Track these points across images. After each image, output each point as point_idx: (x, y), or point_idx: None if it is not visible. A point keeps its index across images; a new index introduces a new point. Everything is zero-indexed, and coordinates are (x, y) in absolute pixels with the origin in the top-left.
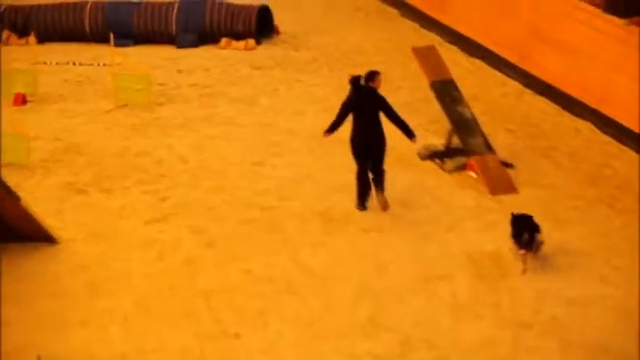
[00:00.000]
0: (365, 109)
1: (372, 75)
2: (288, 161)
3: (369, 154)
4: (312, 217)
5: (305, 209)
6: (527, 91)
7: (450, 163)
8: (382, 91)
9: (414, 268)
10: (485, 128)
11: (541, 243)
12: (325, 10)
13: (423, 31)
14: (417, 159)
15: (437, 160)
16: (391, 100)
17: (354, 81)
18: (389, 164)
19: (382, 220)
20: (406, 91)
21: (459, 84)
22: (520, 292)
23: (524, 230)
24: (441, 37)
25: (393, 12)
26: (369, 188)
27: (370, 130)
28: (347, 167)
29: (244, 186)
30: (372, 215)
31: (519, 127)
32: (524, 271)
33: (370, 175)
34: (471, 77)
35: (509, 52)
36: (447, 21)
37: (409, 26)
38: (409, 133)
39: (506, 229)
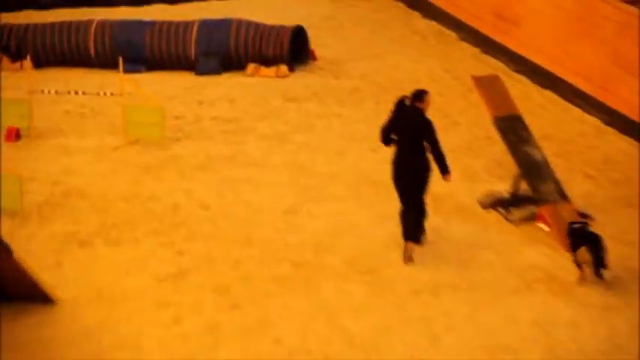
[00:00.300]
0: (407, 130)
1: (420, 94)
2: (327, 209)
3: (408, 182)
4: (354, 275)
5: (346, 266)
6: (609, 129)
7: (516, 213)
8: (438, 126)
9: (473, 338)
10: (559, 173)
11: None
12: (372, 32)
13: (486, 57)
14: (478, 208)
15: (501, 210)
16: (449, 138)
17: (399, 101)
18: (444, 213)
19: (436, 281)
20: (465, 127)
21: (528, 120)
22: None
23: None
24: (506, 64)
25: (452, 35)
26: (413, 222)
27: (411, 154)
28: (398, 217)
29: (275, 238)
30: (425, 274)
31: (599, 171)
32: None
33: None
34: (543, 112)
35: (587, 83)
36: (514, 46)
37: (470, 52)
38: (443, 169)
39: (586, 293)
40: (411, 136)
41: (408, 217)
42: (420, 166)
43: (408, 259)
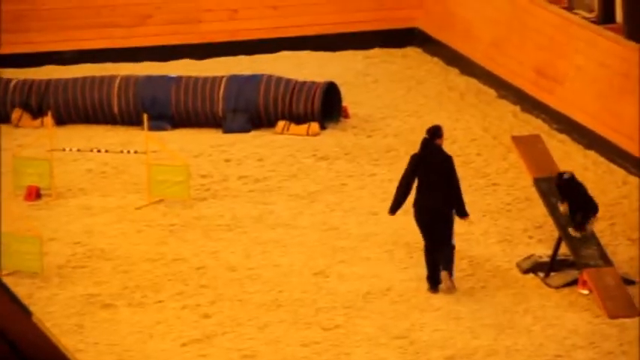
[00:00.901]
0: (430, 169)
1: (438, 130)
2: (359, 272)
3: (432, 221)
4: (386, 340)
5: (378, 331)
6: None
7: (556, 278)
8: (476, 186)
9: None
10: (602, 237)
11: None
12: (408, 89)
13: (526, 115)
14: (517, 271)
15: (540, 274)
16: (487, 199)
17: (424, 140)
18: (482, 277)
19: (472, 346)
20: (504, 188)
21: None
22: None
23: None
24: (547, 123)
25: (491, 93)
26: (437, 267)
27: (434, 192)
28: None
29: (304, 301)
30: (460, 340)
31: None
32: None
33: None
34: (586, 173)
35: (631, 142)
36: (556, 104)
37: (509, 110)
38: (461, 211)
39: None
40: (435, 175)
41: (447, 251)
42: (446, 204)
43: (450, 288)
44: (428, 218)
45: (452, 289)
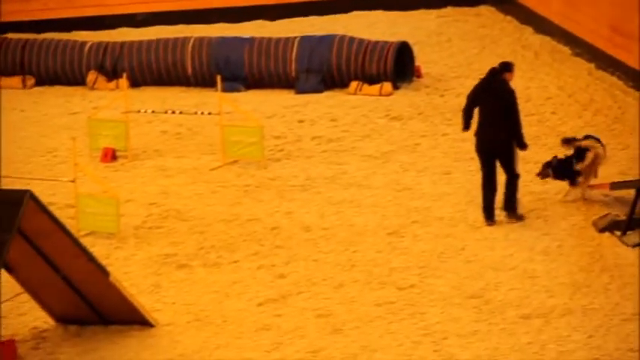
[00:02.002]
0: (491, 99)
1: (509, 65)
2: (433, 232)
3: (492, 152)
4: (461, 300)
5: (452, 290)
6: None
7: (633, 236)
8: (551, 144)
9: None
10: None
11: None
12: (481, 48)
13: (601, 73)
14: (593, 230)
15: (617, 232)
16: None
17: (492, 70)
18: (558, 235)
19: (548, 305)
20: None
21: None
22: None
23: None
24: (623, 81)
25: (565, 51)
26: (493, 196)
27: (496, 124)
28: (510, 240)
29: (378, 261)
30: (536, 299)
31: None
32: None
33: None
34: None
35: None
36: (632, 62)
37: (584, 68)
38: (521, 144)
39: None
40: (497, 104)
41: (512, 185)
42: (506, 133)
43: (518, 220)
44: (487, 148)
45: (520, 219)
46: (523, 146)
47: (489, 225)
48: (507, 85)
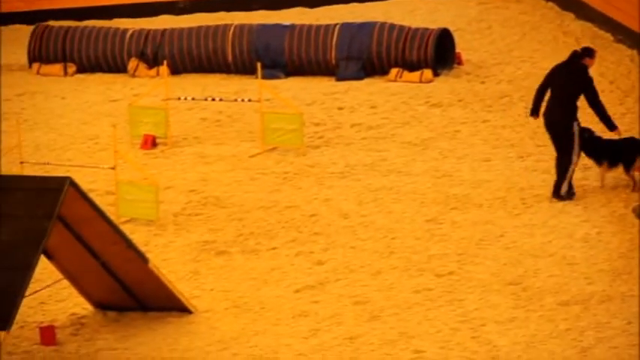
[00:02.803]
0: (563, 81)
1: (592, 50)
2: (472, 218)
3: (553, 133)
4: (499, 286)
5: (491, 277)
6: None
7: None
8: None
9: (626, 352)
10: None
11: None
12: (522, 34)
13: None
14: (632, 217)
15: None
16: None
17: (574, 52)
18: (597, 222)
19: (587, 292)
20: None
21: None
22: None
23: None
24: None
25: (607, 37)
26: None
27: (557, 104)
28: (549, 227)
29: (417, 248)
30: (574, 285)
31: None
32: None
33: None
34: None
35: None
36: None
37: (626, 54)
38: (610, 125)
39: None
40: (567, 86)
41: (561, 166)
42: (567, 119)
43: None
44: (549, 130)
45: (567, 198)
46: (613, 127)
47: (569, 198)
48: (586, 71)
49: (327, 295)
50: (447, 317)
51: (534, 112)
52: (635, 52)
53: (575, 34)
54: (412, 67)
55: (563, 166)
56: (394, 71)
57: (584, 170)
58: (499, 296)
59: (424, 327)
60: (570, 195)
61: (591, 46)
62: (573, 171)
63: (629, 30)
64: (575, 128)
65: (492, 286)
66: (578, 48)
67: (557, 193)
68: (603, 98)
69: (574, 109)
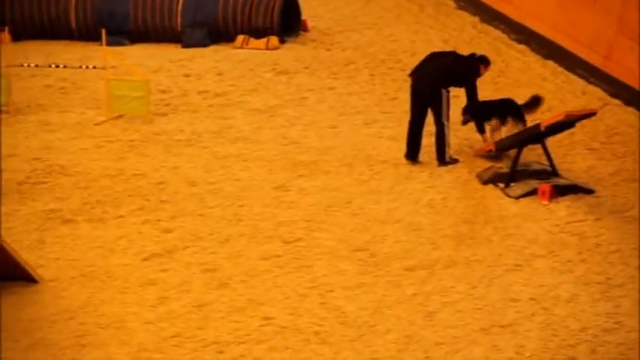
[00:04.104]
0: (452, 66)
1: (488, 61)
2: (319, 185)
3: (419, 99)
4: (347, 253)
5: (339, 243)
6: (614, 100)
7: (516, 188)
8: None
9: (470, 315)
10: (561, 147)
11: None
12: (366, 1)
13: (485, 26)
14: (477, 182)
15: (500, 185)
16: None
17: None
18: (442, 188)
19: (432, 257)
20: (463, 100)
21: (529, 91)
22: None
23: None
24: (507, 34)
25: (450, 4)
26: (418, 140)
27: (433, 77)
28: (395, 193)
29: (265, 215)
30: (420, 251)
31: (603, 145)
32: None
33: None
34: (544, 84)
35: (591, 52)
36: (515, 14)
37: (468, 21)
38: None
39: (586, 269)
40: (451, 71)
41: (437, 134)
42: (436, 84)
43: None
44: (417, 93)
45: (451, 163)
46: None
47: (410, 161)
48: (476, 74)
49: (175, 262)
50: (296, 284)
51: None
52: (477, 18)
53: (419, 1)
54: (258, 34)
55: (439, 132)
56: (240, 38)
57: (429, 138)
58: (347, 262)
59: (273, 294)
60: (454, 160)
61: (433, 12)
62: (449, 135)
63: None
64: (444, 93)
65: (340, 253)
66: (476, 53)
67: (442, 160)
68: None
69: (446, 83)
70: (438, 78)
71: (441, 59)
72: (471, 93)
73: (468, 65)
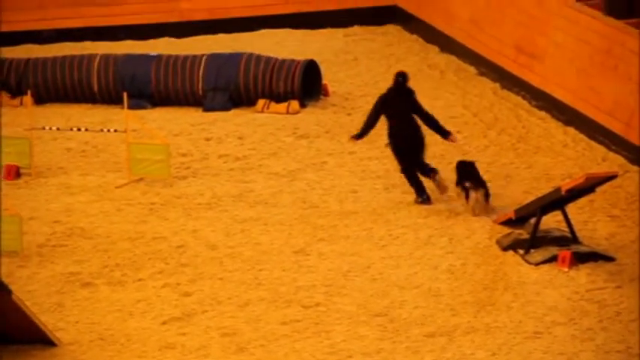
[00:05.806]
0: (402, 108)
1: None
2: (339, 250)
3: (409, 152)
4: (366, 318)
5: (358, 308)
6: (634, 167)
7: (536, 255)
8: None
9: None
10: (582, 213)
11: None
12: (387, 66)
13: (506, 92)
14: (496, 249)
15: (520, 251)
16: None
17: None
18: (462, 254)
19: (452, 323)
20: (484, 166)
21: (550, 158)
22: None
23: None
24: (527, 100)
25: (470, 70)
26: (419, 180)
27: (409, 127)
28: (415, 258)
29: (284, 279)
30: (440, 317)
31: (623, 212)
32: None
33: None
34: (565, 150)
35: (611, 119)
36: (536, 81)
37: (489, 87)
38: (444, 133)
39: (607, 337)
40: (404, 113)
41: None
42: (419, 133)
43: (443, 188)
44: (404, 151)
45: (444, 188)
46: (446, 134)
47: (424, 202)
48: (413, 93)
49: (194, 326)
50: (314, 349)
51: (361, 136)
52: (497, 85)
53: (440, 66)
54: (279, 98)
55: (427, 166)
56: (261, 102)
57: (450, 202)
58: (366, 328)
59: (291, 358)
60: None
61: (454, 78)
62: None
63: (491, 63)
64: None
65: (359, 318)
66: (400, 73)
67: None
68: (467, 131)
69: (416, 123)
70: (412, 127)
71: (394, 110)
72: (427, 118)
73: (404, 93)
